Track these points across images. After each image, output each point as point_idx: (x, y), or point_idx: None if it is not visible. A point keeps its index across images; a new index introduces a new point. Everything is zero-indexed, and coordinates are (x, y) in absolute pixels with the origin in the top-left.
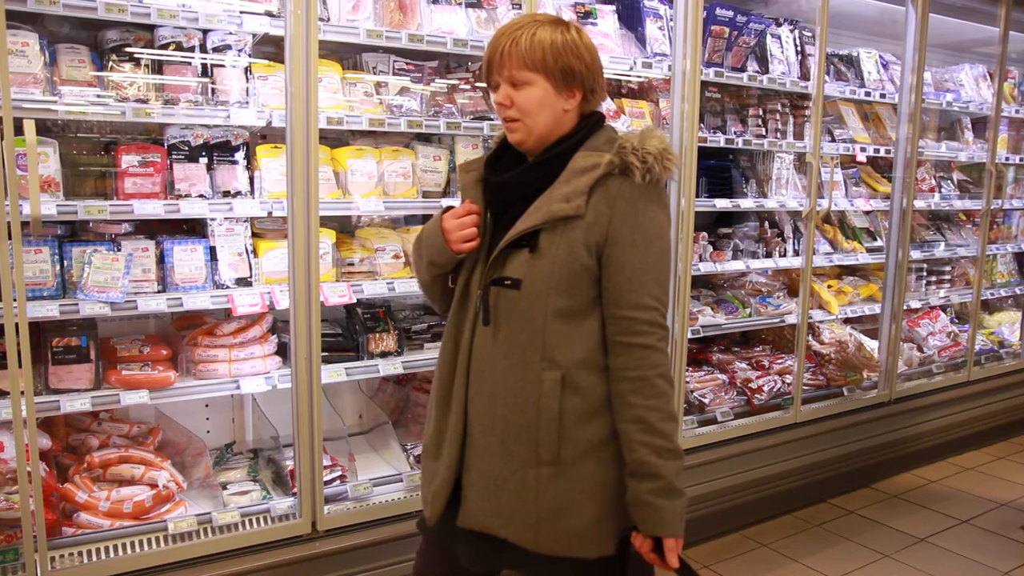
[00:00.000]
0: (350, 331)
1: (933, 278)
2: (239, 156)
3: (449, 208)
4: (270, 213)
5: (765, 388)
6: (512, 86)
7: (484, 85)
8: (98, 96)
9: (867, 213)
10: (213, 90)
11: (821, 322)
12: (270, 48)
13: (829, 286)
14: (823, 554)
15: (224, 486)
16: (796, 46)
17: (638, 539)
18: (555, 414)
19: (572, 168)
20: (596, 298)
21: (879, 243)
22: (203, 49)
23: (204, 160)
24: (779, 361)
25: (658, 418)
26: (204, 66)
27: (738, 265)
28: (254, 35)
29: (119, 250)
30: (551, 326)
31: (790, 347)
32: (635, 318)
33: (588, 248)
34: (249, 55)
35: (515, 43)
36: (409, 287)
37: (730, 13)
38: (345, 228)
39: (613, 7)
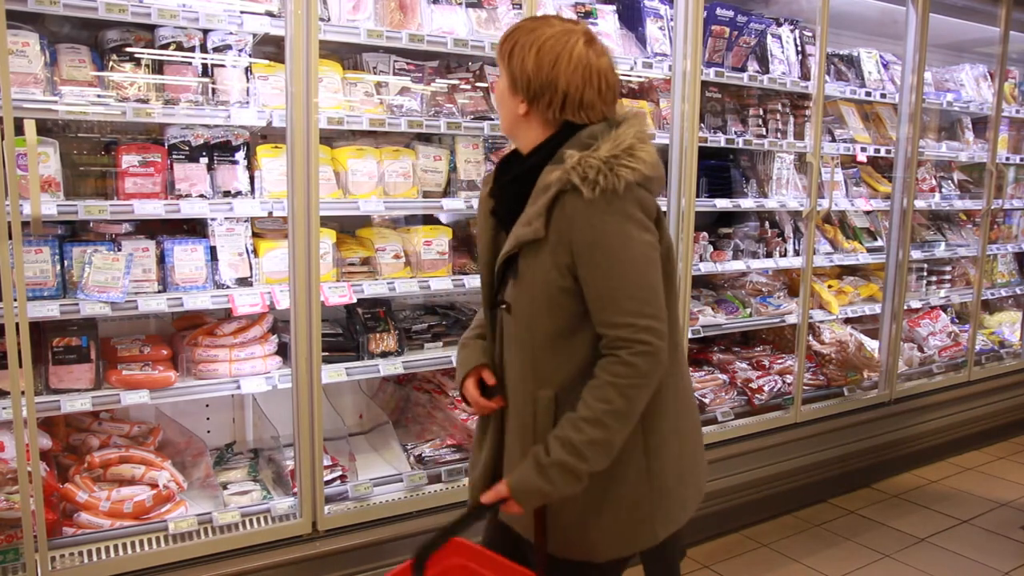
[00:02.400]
0: (350, 331)
1: (933, 278)
2: (239, 156)
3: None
4: (270, 213)
5: (765, 388)
6: (500, 75)
7: (484, 85)
8: (98, 96)
9: (867, 213)
10: (213, 90)
11: (821, 322)
12: (270, 48)
13: (829, 286)
14: (823, 554)
15: (224, 486)
16: (796, 46)
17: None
18: (549, 429)
19: (538, 185)
20: (583, 312)
21: (879, 243)
22: (203, 49)
23: (204, 160)
24: (779, 361)
25: (585, 414)
26: (204, 66)
27: (738, 265)
28: (254, 35)
29: (119, 250)
30: (540, 348)
31: (790, 347)
32: (608, 335)
33: (559, 269)
34: (249, 55)
35: (504, 32)
36: (409, 287)
37: (730, 13)
38: (345, 228)
39: (613, 7)
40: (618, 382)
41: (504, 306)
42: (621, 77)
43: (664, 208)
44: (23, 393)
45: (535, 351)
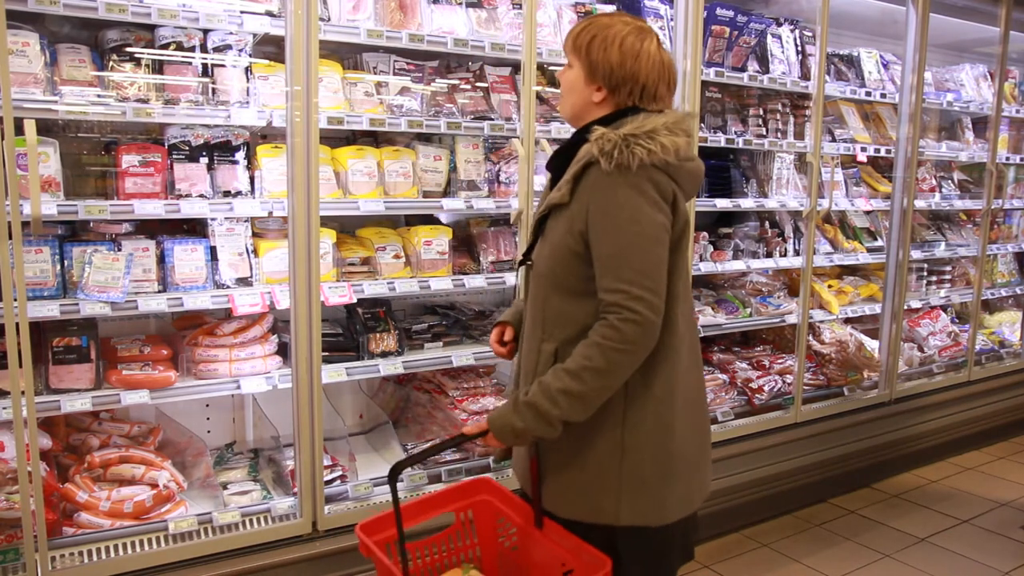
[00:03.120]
0: (350, 331)
1: (934, 278)
2: (239, 156)
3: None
4: (271, 213)
5: (765, 388)
6: (568, 65)
7: (484, 85)
8: (98, 96)
9: (867, 213)
10: (214, 90)
11: (821, 322)
12: (271, 48)
13: (829, 286)
14: (823, 554)
15: (224, 486)
16: (797, 46)
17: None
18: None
19: (576, 157)
20: (590, 278)
21: (879, 243)
22: (203, 49)
23: (204, 160)
24: (779, 361)
25: (567, 365)
26: (205, 66)
27: (738, 265)
28: (255, 35)
29: (119, 250)
30: (550, 303)
31: (790, 347)
32: (605, 300)
33: (573, 235)
34: (250, 55)
35: (574, 27)
36: (409, 287)
37: (730, 13)
38: (345, 228)
39: (613, 7)
40: (602, 343)
41: (530, 263)
42: None
43: None
44: (23, 393)
45: (545, 307)
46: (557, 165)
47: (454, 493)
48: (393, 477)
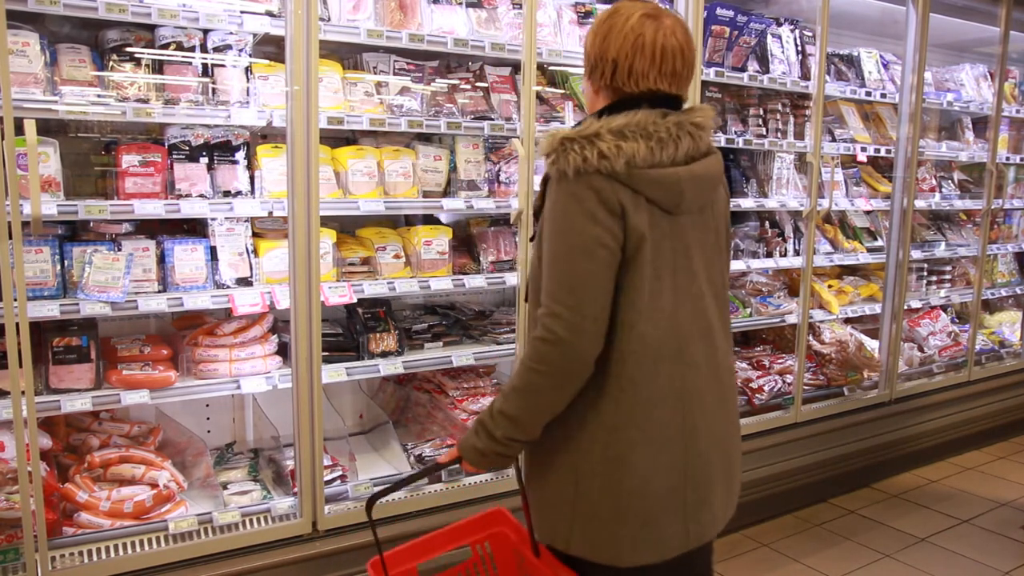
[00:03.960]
0: (351, 331)
1: (934, 278)
2: (240, 156)
3: None
4: (271, 213)
5: (765, 388)
6: None
7: (484, 85)
8: (99, 96)
9: (868, 213)
10: (214, 90)
11: (822, 322)
12: (271, 48)
13: (830, 286)
14: (823, 554)
15: (225, 486)
16: (797, 46)
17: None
18: None
19: None
20: None
21: (880, 243)
22: (204, 49)
23: (205, 160)
24: (779, 361)
25: (504, 386)
26: (205, 66)
27: (739, 265)
28: (255, 35)
29: (119, 250)
30: (532, 308)
31: (790, 347)
32: (537, 313)
33: (537, 239)
34: (250, 55)
35: None
36: (409, 287)
37: (730, 13)
38: (345, 228)
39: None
40: (524, 361)
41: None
42: None
43: None
44: (23, 393)
45: (530, 311)
46: None
47: (470, 526)
48: (370, 508)
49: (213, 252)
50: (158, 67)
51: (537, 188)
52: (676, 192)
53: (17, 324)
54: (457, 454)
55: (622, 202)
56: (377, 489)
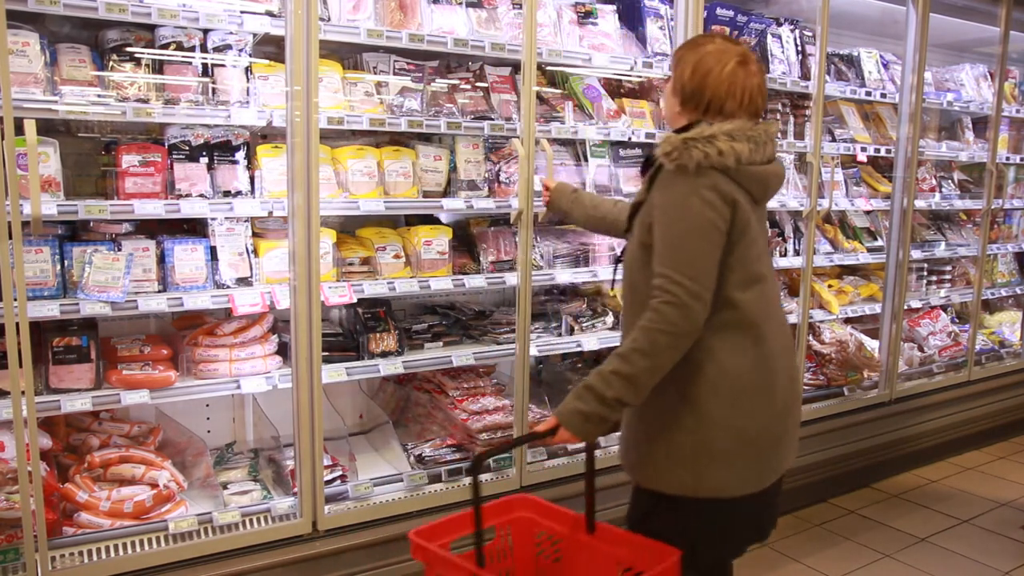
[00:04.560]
0: (351, 331)
1: (934, 278)
2: (240, 156)
3: None
4: (271, 213)
5: None
6: (669, 78)
7: (484, 85)
8: (99, 96)
9: (868, 213)
10: (214, 90)
11: (822, 322)
12: (271, 48)
13: (830, 286)
14: (823, 554)
15: (225, 486)
16: (797, 46)
17: None
18: None
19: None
20: None
21: (880, 243)
22: (204, 49)
23: (205, 160)
24: None
25: (618, 350)
26: (205, 66)
27: None
28: (255, 35)
29: (119, 250)
30: (636, 288)
31: None
32: (653, 284)
33: (644, 227)
34: (250, 55)
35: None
36: (409, 287)
37: (730, 13)
38: (345, 228)
39: (613, 7)
40: (646, 325)
41: (621, 258)
42: (621, 77)
43: None
44: (23, 393)
45: (633, 292)
46: (644, 168)
47: (495, 509)
48: (476, 466)
49: (213, 252)
50: (158, 67)
51: (540, 187)
52: (764, 186)
53: (17, 324)
54: (555, 422)
55: (733, 193)
56: (479, 454)
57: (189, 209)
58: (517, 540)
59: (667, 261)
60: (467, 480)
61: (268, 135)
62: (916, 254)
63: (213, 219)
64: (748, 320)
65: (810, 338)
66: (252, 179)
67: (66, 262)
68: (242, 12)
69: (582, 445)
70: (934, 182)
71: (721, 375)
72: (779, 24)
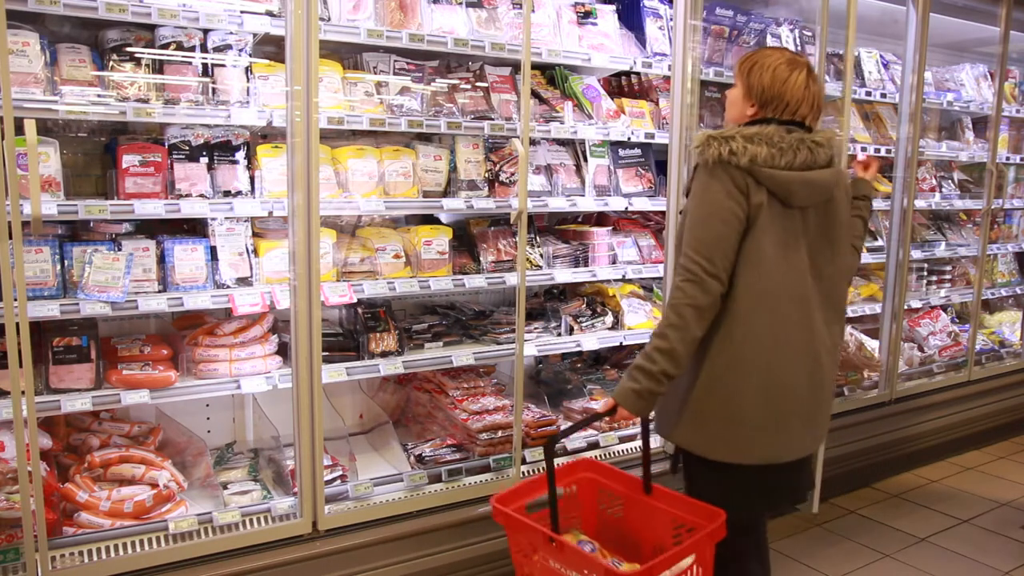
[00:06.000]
0: (351, 331)
1: (934, 278)
2: (240, 156)
3: None
4: (271, 213)
5: None
6: (734, 85)
7: (485, 85)
8: (99, 96)
9: None
10: (214, 90)
11: None
12: (271, 48)
13: None
14: (823, 554)
15: (225, 486)
16: (796, 46)
17: None
18: None
19: None
20: None
21: (880, 243)
22: (204, 49)
23: (205, 160)
24: None
25: (655, 330)
26: (205, 66)
27: None
28: (255, 35)
29: (120, 250)
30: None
31: None
32: (678, 262)
33: (684, 213)
34: (250, 55)
35: (740, 56)
36: (409, 287)
37: (730, 13)
38: (345, 228)
39: (613, 7)
40: (673, 303)
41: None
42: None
43: (663, 208)
44: (23, 393)
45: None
46: None
47: (563, 471)
48: (548, 449)
49: (213, 252)
50: (158, 67)
51: (540, 187)
52: (786, 189)
53: (17, 324)
54: (613, 403)
55: (747, 185)
56: (552, 436)
57: (189, 209)
58: (582, 496)
59: (690, 242)
60: (467, 480)
61: (268, 135)
62: (916, 254)
63: (213, 219)
64: (737, 302)
65: None
66: (252, 179)
67: (66, 262)
68: (242, 12)
69: (582, 444)
70: (934, 182)
71: (718, 350)
72: (779, 24)
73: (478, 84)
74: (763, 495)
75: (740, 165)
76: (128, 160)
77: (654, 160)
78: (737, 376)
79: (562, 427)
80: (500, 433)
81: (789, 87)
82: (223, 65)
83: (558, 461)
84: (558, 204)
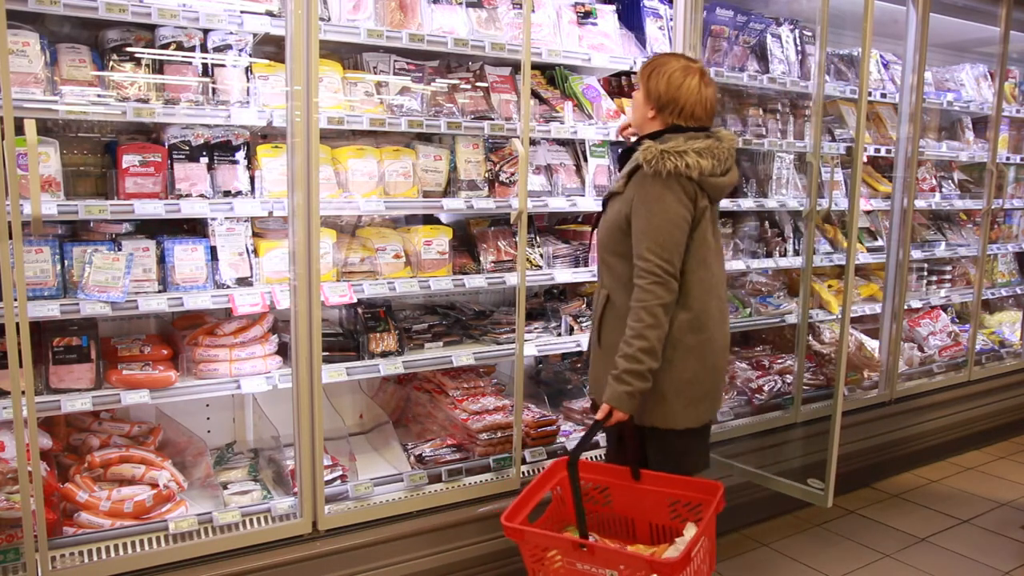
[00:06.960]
0: (351, 331)
1: (934, 278)
2: (240, 156)
3: None
4: (271, 213)
5: (765, 388)
6: (638, 88)
7: (485, 85)
8: (99, 96)
9: (868, 213)
10: (214, 90)
11: (821, 322)
12: (271, 48)
13: (829, 286)
14: (823, 554)
15: (225, 486)
16: (796, 46)
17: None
18: (599, 316)
19: (632, 158)
20: (630, 247)
21: (880, 243)
22: (204, 49)
23: (205, 160)
24: (779, 361)
25: (631, 334)
26: (205, 66)
27: (738, 265)
28: (255, 35)
29: (120, 250)
30: (605, 262)
31: (790, 347)
32: (637, 265)
33: (621, 216)
34: (250, 55)
35: (647, 61)
36: (409, 287)
37: (730, 13)
38: (345, 228)
39: (613, 7)
40: (644, 305)
41: (596, 230)
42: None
43: None
44: (23, 393)
45: (602, 265)
46: (621, 160)
47: (545, 477)
48: (573, 467)
49: (213, 252)
50: (158, 67)
51: (540, 187)
52: (720, 191)
53: (17, 324)
54: (609, 408)
55: (696, 193)
56: (574, 449)
57: (189, 209)
58: (568, 495)
59: (649, 245)
60: (468, 480)
61: (268, 135)
62: (916, 254)
63: (213, 219)
64: (693, 292)
65: (810, 338)
66: (252, 179)
67: (66, 262)
68: (242, 12)
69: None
70: (934, 182)
71: (676, 333)
72: (779, 24)
73: (478, 84)
74: (704, 452)
75: (690, 177)
76: (128, 160)
77: None
78: (697, 357)
79: (562, 427)
80: (500, 433)
81: (683, 92)
82: (223, 65)
83: (544, 464)
84: (558, 204)
